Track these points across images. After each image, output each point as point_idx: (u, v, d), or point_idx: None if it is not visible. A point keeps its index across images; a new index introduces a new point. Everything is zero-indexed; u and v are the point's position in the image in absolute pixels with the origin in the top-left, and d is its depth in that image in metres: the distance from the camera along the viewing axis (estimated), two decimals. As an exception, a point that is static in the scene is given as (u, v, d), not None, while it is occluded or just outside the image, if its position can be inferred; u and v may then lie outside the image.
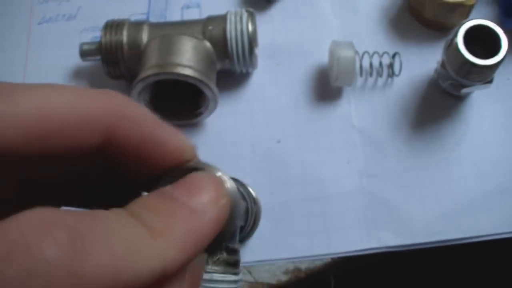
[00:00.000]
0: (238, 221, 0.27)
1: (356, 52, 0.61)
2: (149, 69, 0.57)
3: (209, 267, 0.31)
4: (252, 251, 0.58)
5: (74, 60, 0.66)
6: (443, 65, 0.60)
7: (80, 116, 0.25)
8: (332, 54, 0.62)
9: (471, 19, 0.57)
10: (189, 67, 0.57)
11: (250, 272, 0.58)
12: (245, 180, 0.60)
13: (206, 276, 0.32)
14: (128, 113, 0.27)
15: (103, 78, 0.64)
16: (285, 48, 0.67)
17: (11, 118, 0.23)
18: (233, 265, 0.33)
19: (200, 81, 0.57)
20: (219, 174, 0.27)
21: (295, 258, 0.58)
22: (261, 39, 0.63)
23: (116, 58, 0.62)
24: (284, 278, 0.58)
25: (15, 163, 0.25)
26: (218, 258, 0.32)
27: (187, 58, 0.58)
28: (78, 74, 0.67)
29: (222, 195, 0.25)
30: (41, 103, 0.24)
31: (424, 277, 0.87)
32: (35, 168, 0.26)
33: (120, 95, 0.28)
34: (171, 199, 0.24)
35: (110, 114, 0.26)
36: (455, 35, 0.56)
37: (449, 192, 0.60)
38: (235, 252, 0.33)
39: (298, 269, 0.58)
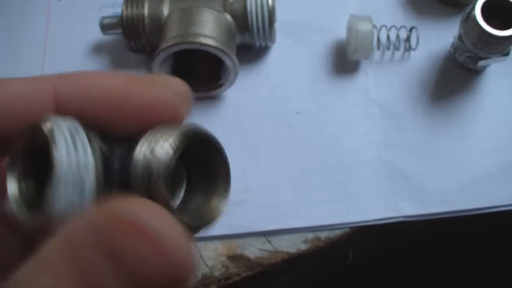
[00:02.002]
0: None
1: (374, 26, 0.62)
2: (171, 40, 0.58)
3: None
4: (271, 220, 0.59)
5: (94, 34, 0.67)
6: (460, 38, 0.61)
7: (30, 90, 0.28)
8: (350, 27, 0.63)
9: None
10: (211, 37, 0.58)
11: (269, 241, 0.59)
12: (264, 150, 0.61)
13: None
14: (67, 76, 0.29)
15: (124, 51, 0.65)
16: (303, 23, 0.67)
17: None
18: None
19: (222, 51, 0.57)
20: None
21: (314, 227, 0.59)
22: (279, 15, 0.64)
23: (137, 32, 0.62)
24: (303, 247, 0.58)
25: None
26: None
27: (209, 29, 0.58)
28: (99, 48, 0.67)
29: None
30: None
31: (443, 258, 0.87)
32: None
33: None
34: None
35: (51, 81, 0.28)
36: (473, 8, 0.57)
37: (467, 164, 0.60)
38: None
39: (317, 238, 0.59)
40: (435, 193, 0.59)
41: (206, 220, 0.28)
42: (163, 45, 0.58)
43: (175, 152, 0.25)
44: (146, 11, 0.62)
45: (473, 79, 0.64)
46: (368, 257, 0.72)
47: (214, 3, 0.61)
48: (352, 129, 0.62)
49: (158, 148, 0.26)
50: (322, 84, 0.64)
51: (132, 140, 0.27)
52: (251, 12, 0.61)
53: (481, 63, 0.61)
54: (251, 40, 0.63)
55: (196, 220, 0.27)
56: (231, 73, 0.60)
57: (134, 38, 0.63)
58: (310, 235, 0.59)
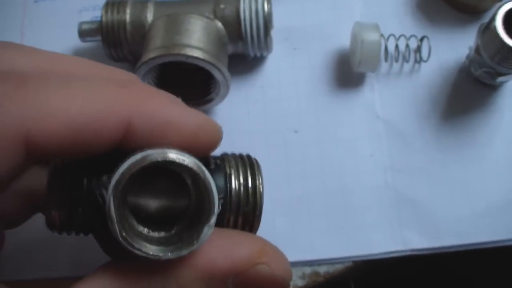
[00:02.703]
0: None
1: (382, 35, 0.56)
2: (154, 51, 0.52)
3: None
4: (265, 252, 0.53)
5: (72, 41, 0.61)
6: (477, 50, 0.55)
7: (106, 116, 0.29)
8: (355, 36, 0.57)
9: (508, 1, 0.52)
10: (199, 48, 0.52)
11: (262, 275, 0.53)
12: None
13: None
14: (145, 105, 0.31)
15: (104, 60, 0.59)
16: (302, 30, 0.61)
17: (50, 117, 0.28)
18: None
19: (211, 63, 0.52)
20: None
21: (312, 260, 0.54)
22: (276, 20, 0.58)
23: (118, 39, 0.56)
24: (300, 283, 0.53)
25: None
26: None
27: (196, 39, 0.53)
28: (76, 55, 0.62)
29: None
30: (68, 105, 0.29)
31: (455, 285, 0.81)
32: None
33: (139, 84, 0.33)
34: None
35: (127, 109, 0.30)
36: (493, 18, 0.51)
37: (482, 190, 0.55)
38: None
39: (316, 273, 0.53)
40: (446, 224, 0.54)
41: None
42: (145, 57, 0.52)
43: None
44: (128, 16, 0.56)
45: (490, 95, 0.58)
46: (373, 284, 0.67)
47: (203, 8, 0.55)
48: (355, 150, 0.57)
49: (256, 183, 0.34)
50: (322, 99, 0.59)
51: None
52: (244, 19, 0.55)
53: (500, 79, 0.55)
54: (244, 50, 0.57)
55: None
56: (221, 88, 0.55)
57: (114, 46, 0.57)
58: (308, 270, 0.54)
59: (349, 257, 0.53)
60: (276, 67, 0.60)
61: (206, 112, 0.58)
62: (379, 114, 0.57)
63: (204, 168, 0.29)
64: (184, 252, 0.28)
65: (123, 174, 0.27)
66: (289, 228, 0.54)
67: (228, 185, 0.33)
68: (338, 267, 0.54)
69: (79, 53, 0.62)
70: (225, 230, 0.33)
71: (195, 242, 0.29)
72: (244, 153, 0.36)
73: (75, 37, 0.58)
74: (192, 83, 0.57)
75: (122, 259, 0.31)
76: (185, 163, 0.28)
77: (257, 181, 0.34)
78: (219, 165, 0.34)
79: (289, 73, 0.60)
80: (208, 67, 0.52)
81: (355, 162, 0.56)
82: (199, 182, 0.29)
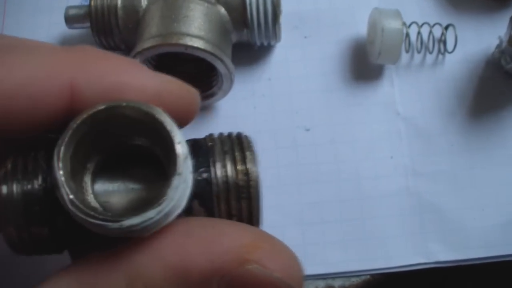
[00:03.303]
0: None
1: (404, 23, 0.50)
2: (149, 40, 0.47)
3: None
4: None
5: (59, 28, 0.57)
6: (510, 41, 0.49)
7: (41, 80, 0.26)
8: (374, 24, 0.52)
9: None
10: (199, 37, 0.47)
11: (270, 290, 0.48)
12: (264, 176, 0.50)
13: None
14: (92, 66, 0.27)
15: (94, 49, 0.53)
16: (314, 16, 0.57)
17: None
18: None
19: (213, 54, 0.47)
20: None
21: (326, 274, 0.49)
22: (285, 6, 0.53)
23: (108, 26, 0.52)
24: (312, 298, 0.48)
25: None
26: None
27: (197, 27, 0.48)
28: (64, 45, 0.57)
29: None
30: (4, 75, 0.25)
31: None
32: None
33: (88, 48, 0.28)
34: None
35: (70, 70, 0.27)
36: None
37: (513, 197, 0.50)
38: None
39: (330, 288, 0.48)
40: (474, 234, 0.49)
41: None
42: (139, 47, 0.47)
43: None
44: (119, 1, 0.51)
45: (522, 90, 0.53)
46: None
47: (204, -8, 0.49)
48: (373, 151, 0.52)
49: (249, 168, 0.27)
50: (336, 94, 0.54)
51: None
52: (250, 4, 0.51)
53: (536, 72, 0.49)
54: (250, 38, 0.53)
55: None
56: (224, 81, 0.50)
57: (105, 34, 0.52)
58: (321, 284, 0.50)
59: (366, 271, 0.49)
60: (285, 57, 0.56)
61: (208, 108, 0.54)
62: (399, 111, 0.53)
63: (158, 108, 0.25)
64: (151, 213, 0.23)
65: (69, 128, 0.25)
66: (300, 240, 0.50)
67: (212, 165, 0.27)
68: (355, 280, 0.49)
69: (65, 41, 0.57)
70: (209, 219, 0.27)
71: (164, 197, 0.24)
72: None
73: (62, 24, 0.54)
74: (192, 76, 0.52)
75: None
76: (132, 104, 0.25)
77: (248, 160, 0.28)
78: (198, 141, 0.29)
79: (299, 64, 0.55)
80: (209, 58, 0.48)
81: (373, 164, 0.51)
82: (158, 126, 0.25)
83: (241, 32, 0.52)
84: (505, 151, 0.51)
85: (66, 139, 0.24)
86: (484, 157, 0.51)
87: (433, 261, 0.49)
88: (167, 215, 0.24)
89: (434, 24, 0.53)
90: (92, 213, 0.23)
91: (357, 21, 0.55)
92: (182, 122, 0.28)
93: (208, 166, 0.27)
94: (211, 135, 0.29)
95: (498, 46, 0.52)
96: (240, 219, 0.28)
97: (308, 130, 0.52)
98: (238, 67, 0.51)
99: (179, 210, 0.24)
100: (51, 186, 0.26)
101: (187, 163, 0.25)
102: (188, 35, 0.46)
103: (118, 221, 0.23)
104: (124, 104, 0.25)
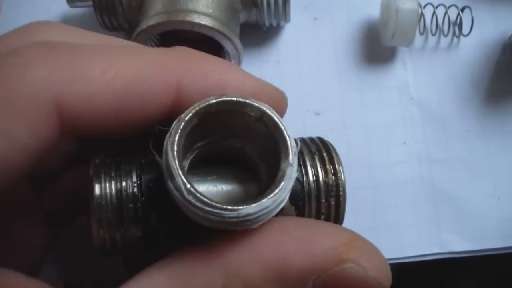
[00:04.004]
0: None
1: (419, 4, 0.48)
2: (154, 17, 0.45)
3: None
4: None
5: (59, 7, 0.54)
6: (529, 23, 0.47)
7: (151, 78, 0.27)
8: (387, 4, 0.50)
9: None
10: (207, 15, 0.45)
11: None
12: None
13: None
14: (196, 65, 0.28)
15: (96, 29, 0.51)
16: (325, -3, 0.54)
17: (100, 85, 0.25)
18: None
19: (221, 33, 0.45)
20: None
21: (336, 264, 0.46)
22: (294, -15, 0.50)
23: (112, 4, 0.49)
24: (321, 288, 0.46)
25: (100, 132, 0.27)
26: None
27: (204, 4, 0.46)
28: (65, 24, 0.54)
29: None
30: (116, 70, 0.26)
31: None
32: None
33: (184, 48, 0.29)
34: None
35: (176, 69, 0.27)
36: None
37: (531, 184, 0.48)
38: None
39: (339, 278, 0.46)
40: (490, 223, 0.48)
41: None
42: (143, 24, 0.45)
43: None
44: None
45: (540, 76, 0.51)
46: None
47: (212, -31, 0.47)
48: (386, 137, 0.50)
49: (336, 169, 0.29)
50: (348, 77, 0.52)
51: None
52: None
53: (556, 56, 0.47)
54: (259, 18, 0.50)
55: None
56: (232, 61, 0.47)
57: (107, 12, 0.50)
58: None
59: (378, 261, 0.46)
60: (294, 39, 0.53)
61: (214, 90, 0.51)
62: (413, 95, 0.51)
63: (266, 104, 0.26)
64: (267, 202, 0.23)
65: (182, 119, 0.25)
66: (309, 227, 0.47)
67: (302, 165, 0.28)
68: (365, 271, 0.46)
69: (67, 20, 0.55)
70: (304, 219, 0.28)
71: (278, 184, 0.24)
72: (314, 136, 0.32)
73: (63, 2, 0.51)
74: None
75: None
76: (242, 98, 0.26)
77: (335, 160, 0.29)
78: None
79: (309, 46, 0.53)
80: (217, 37, 0.45)
81: (385, 150, 0.49)
82: (267, 120, 0.26)
83: (250, 12, 0.49)
84: (522, 138, 0.49)
85: (180, 129, 0.24)
86: (500, 143, 0.49)
87: (447, 251, 0.47)
88: (278, 205, 0.24)
89: (450, 6, 0.51)
90: (210, 201, 0.23)
91: (369, 2, 0.53)
92: None
93: (299, 166, 0.28)
94: (295, 138, 0.29)
95: (516, 29, 0.51)
96: (327, 218, 0.29)
97: (318, 114, 0.50)
98: (245, 49, 0.49)
99: (283, 204, 0.25)
100: (145, 184, 0.26)
101: (297, 156, 0.25)
102: (195, 12, 0.44)
103: (236, 210, 0.23)
104: (235, 98, 0.26)
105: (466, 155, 0.49)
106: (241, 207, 0.23)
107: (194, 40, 0.49)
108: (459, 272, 0.62)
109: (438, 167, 0.48)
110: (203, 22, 0.44)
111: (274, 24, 0.51)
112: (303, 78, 0.51)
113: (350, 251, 0.25)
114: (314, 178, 0.28)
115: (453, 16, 0.51)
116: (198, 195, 0.23)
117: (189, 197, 0.23)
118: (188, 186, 0.23)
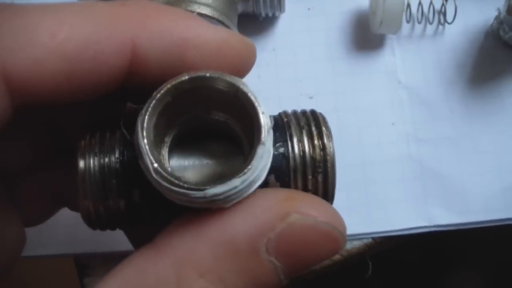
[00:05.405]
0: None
1: (405, -7, 0.51)
2: None
3: None
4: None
5: None
6: (509, 11, 0.50)
7: (103, 39, 0.24)
8: (376, -6, 0.52)
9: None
10: (207, 5, 0.47)
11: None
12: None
13: None
14: (152, 20, 0.25)
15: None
16: (317, -11, 0.57)
17: (45, 49, 0.23)
18: None
19: (220, 22, 0.48)
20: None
21: (330, 237, 0.49)
22: (288, -23, 0.53)
23: None
24: (316, 260, 0.49)
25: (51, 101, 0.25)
26: None
27: None
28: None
29: None
30: (66, 31, 0.23)
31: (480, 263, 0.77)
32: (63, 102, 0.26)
33: (143, 1, 0.26)
34: None
35: (130, 28, 0.25)
36: (529, -28, 0.46)
37: (512, 162, 0.51)
38: None
39: (333, 250, 0.49)
40: (474, 198, 0.50)
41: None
42: (148, 14, 0.47)
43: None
44: None
45: (520, 60, 0.53)
46: (391, 268, 0.63)
47: (211, -38, 0.50)
48: (375, 119, 0.52)
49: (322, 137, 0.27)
50: (339, 63, 0.54)
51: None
52: None
53: (534, 41, 0.50)
54: (255, 9, 0.53)
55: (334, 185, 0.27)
56: (231, 49, 0.50)
57: None
58: None
59: (368, 234, 0.50)
60: (289, 28, 0.56)
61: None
62: (401, 79, 0.53)
63: (240, 79, 0.24)
64: (236, 182, 0.23)
65: (153, 97, 0.24)
66: (305, 203, 0.50)
67: (289, 139, 0.26)
68: (356, 244, 0.50)
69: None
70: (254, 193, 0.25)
71: (248, 166, 0.23)
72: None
73: None
74: None
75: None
76: (216, 74, 0.24)
77: (324, 134, 0.27)
78: (273, 117, 0.28)
79: (303, 35, 0.56)
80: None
81: (375, 131, 0.52)
82: (241, 97, 0.24)
83: (247, 3, 0.52)
84: (503, 118, 0.51)
85: (150, 108, 0.24)
86: (483, 123, 0.51)
87: (434, 225, 0.49)
88: (250, 185, 0.23)
89: (435, -5, 0.54)
90: (176, 181, 0.22)
91: (360, -7, 0.55)
92: (239, 75, 0.27)
93: (285, 141, 0.26)
94: (285, 112, 0.29)
95: (497, 17, 0.53)
96: (315, 195, 0.27)
97: (311, 98, 0.53)
98: (243, 37, 0.52)
99: (259, 182, 0.24)
100: (128, 160, 0.26)
101: (270, 134, 0.24)
102: (196, 2, 0.47)
103: (202, 190, 0.22)
104: (208, 74, 0.24)
105: (451, 135, 0.51)
106: (208, 187, 0.22)
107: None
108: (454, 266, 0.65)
109: (425, 146, 0.51)
110: (203, 12, 0.47)
111: (270, 14, 0.54)
112: (298, 65, 0.54)
113: (292, 203, 0.24)
114: (301, 153, 0.26)
115: (438, 5, 0.54)
116: (165, 174, 0.23)
117: (156, 177, 0.23)
118: (156, 165, 0.23)
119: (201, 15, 0.47)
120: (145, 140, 0.23)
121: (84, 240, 0.50)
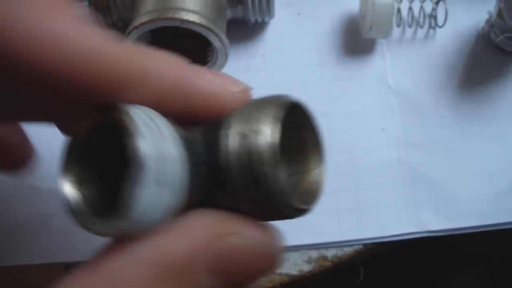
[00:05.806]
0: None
1: (395, -3, 0.51)
2: (145, 15, 0.47)
3: None
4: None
5: None
6: (499, 14, 0.50)
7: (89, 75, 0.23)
8: (365, -1, 0.52)
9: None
10: (195, 12, 0.47)
11: (266, 260, 0.49)
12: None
13: None
14: (146, 70, 0.25)
15: (91, 27, 0.54)
16: (307, -6, 0.57)
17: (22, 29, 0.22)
18: None
19: (208, 29, 0.47)
20: None
21: (319, 244, 0.49)
22: (278, -18, 0.53)
23: (106, 4, 0.52)
24: (306, 267, 0.49)
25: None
26: None
27: (192, 2, 0.48)
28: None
29: None
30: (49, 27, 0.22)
31: (471, 267, 0.77)
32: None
33: (134, 48, 0.25)
34: None
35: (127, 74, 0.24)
36: (518, -24, 0.46)
37: (504, 166, 0.50)
38: None
39: (323, 257, 0.49)
40: (466, 203, 0.50)
41: (313, 196, 0.27)
42: (136, 22, 0.47)
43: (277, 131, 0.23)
44: None
45: (511, 64, 0.53)
46: (383, 273, 0.63)
47: (199, -32, 0.50)
48: (366, 124, 0.52)
49: (259, 128, 0.23)
50: (330, 68, 0.54)
51: (207, 127, 0.25)
52: None
53: (524, 45, 0.50)
54: (244, 15, 0.53)
55: (305, 201, 0.26)
56: (219, 56, 0.50)
57: (102, 12, 0.52)
58: (315, 254, 0.50)
59: (359, 240, 0.49)
60: (279, 34, 0.56)
61: (203, 83, 0.54)
62: (391, 84, 0.53)
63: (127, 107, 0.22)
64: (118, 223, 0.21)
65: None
66: (295, 209, 0.50)
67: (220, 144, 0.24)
68: (347, 250, 0.49)
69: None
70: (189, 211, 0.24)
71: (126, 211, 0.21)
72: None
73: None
74: (187, 51, 0.51)
75: None
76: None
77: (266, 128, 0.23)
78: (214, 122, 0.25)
79: (293, 40, 0.55)
80: (205, 33, 0.47)
81: (365, 136, 0.52)
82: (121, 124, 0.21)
83: (236, 9, 0.52)
84: (494, 123, 0.51)
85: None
86: (474, 128, 0.51)
87: (425, 230, 0.49)
88: (143, 223, 0.22)
89: (425, -1, 0.54)
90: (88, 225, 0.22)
91: (349, -3, 0.55)
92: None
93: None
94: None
95: (488, 20, 0.53)
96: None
97: (301, 103, 0.53)
98: (232, 44, 0.51)
99: (159, 216, 0.22)
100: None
101: (154, 168, 0.21)
102: (184, 9, 0.47)
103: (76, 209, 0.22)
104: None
105: (441, 139, 0.51)
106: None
107: (185, 37, 0.52)
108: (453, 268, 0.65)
109: (415, 151, 0.51)
110: (190, 19, 0.46)
111: (259, 20, 0.54)
112: (288, 70, 0.54)
113: (226, 223, 0.24)
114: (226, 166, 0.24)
115: (428, 9, 0.54)
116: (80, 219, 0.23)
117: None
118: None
119: (188, 22, 0.46)
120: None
121: (78, 249, 0.50)
